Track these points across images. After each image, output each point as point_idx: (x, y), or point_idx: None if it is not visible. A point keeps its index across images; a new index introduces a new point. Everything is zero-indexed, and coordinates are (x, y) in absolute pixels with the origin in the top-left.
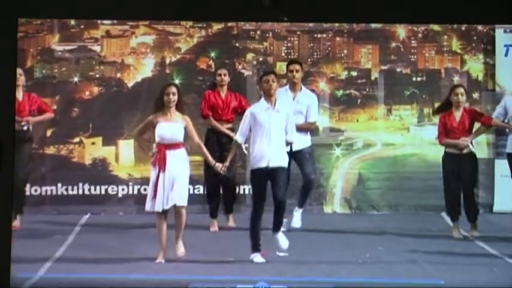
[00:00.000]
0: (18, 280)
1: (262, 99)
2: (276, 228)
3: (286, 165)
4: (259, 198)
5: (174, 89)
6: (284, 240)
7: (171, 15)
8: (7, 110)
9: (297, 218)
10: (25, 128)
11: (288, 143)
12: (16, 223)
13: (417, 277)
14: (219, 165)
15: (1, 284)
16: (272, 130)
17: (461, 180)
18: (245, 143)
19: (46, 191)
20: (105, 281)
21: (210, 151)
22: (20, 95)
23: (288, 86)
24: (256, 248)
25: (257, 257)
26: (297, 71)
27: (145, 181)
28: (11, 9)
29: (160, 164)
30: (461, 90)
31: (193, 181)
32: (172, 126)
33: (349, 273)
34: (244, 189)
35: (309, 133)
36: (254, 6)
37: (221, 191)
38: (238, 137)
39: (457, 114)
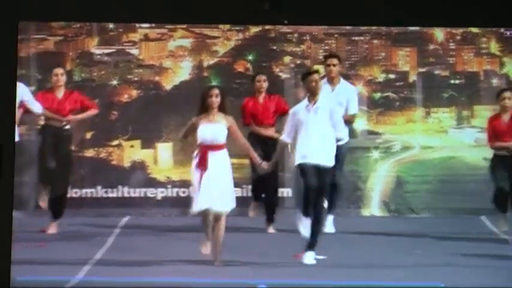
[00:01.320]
0: (18, 283)
1: (306, 98)
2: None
3: (328, 164)
4: (309, 186)
5: (216, 91)
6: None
7: (172, 18)
8: (8, 114)
9: (329, 224)
10: (66, 127)
11: (338, 140)
12: (53, 228)
13: (456, 282)
14: (265, 164)
15: (2, 286)
16: (312, 128)
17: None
18: None
19: (86, 193)
20: (143, 285)
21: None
22: (60, 93)
23: (325, 80)
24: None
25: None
26: (334, 65)
27: (183, 184)
28: (12, 12)
29: (202, 165)
30: (508, 94)
31: None
32: (213, 128)
33: (384, 277)
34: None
35: (347, 129)
36: (254, 10)
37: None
38: (284, 137)
39: (506, 117)
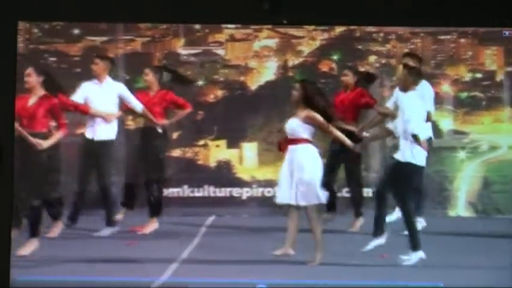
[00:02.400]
0: (18, 283)
1: None
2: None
3: (401, 160)
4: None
5: (296, 85)
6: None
7: (170, 17)
8: (7, 114)
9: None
10: (160, 131)
11: (412, 135)
12: (149, 228)
13: None
14: (356, 145)
15: (2, 286)
16: (396, 125)
17: None
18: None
19: (172, 192)
20: (228, 285)
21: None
22: (153, 92)
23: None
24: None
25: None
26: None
27: (268, 183)
28: (12, 12)
29: (284, 157)
30: None
31: None
32: (291, 121)
33: (467, 277)
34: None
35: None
36: (254, 10)
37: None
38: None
39: None
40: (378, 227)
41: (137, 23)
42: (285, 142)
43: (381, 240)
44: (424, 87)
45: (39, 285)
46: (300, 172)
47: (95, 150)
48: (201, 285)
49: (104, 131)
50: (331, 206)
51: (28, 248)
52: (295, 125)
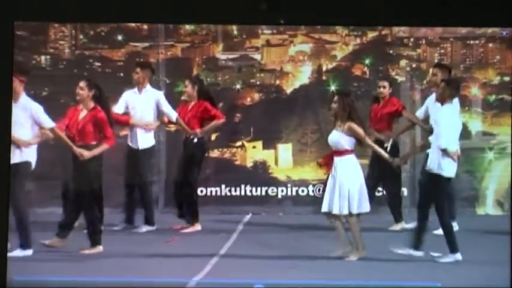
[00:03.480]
0: (15, 283)
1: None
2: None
3: (430, 171)
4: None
5: (335, 98)
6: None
7: (169, 17)
8: (3, 115)
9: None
10: (195, 140)
11: (442, 149)
12: (197, 226)
13: None
14: (397, 160)
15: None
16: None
17: None
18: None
19: (211, 192)
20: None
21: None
22: (191, 104)
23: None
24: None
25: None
26: (434, 74)
27: (303, 183)
28: (7, 12)
29: (328, 169)
30: None
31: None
32: (333, 134)
33: (491, 275)
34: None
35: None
36: (252, 10)
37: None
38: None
39: None
40: (416, 240)
41: (135, 23)
42: (325, 158)
43: (418, 253)
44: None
45: (38, 285)
46: (347, 183)
47: (140, 157)
48: (200, 285)
49: (145, 140)
50: None
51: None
52: (338, 137)
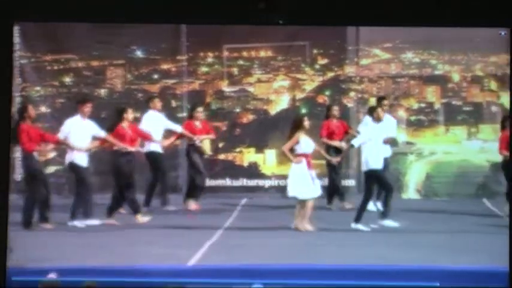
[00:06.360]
0: (16, 283)
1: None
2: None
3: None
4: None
5: (306, 118)
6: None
7: (168, 18)
8: (3, 114)
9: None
10: (197, 143)
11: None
12: (194, 206)
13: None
14: (333, 159)
15: None
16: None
17: None
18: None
19: (218, 183)
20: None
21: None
22: (199, 123)
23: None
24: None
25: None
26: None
27: (282, 177)
28: (7, 12)
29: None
30: None
31: None
32: (309, 140)
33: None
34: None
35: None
36: (250, 10)
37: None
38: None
39: None
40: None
41: (134, 23)
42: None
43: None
44: (389, 121)
45: (36, 286)
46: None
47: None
48: (198, 285)
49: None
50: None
51: (145, 218)
52: (311, 143)
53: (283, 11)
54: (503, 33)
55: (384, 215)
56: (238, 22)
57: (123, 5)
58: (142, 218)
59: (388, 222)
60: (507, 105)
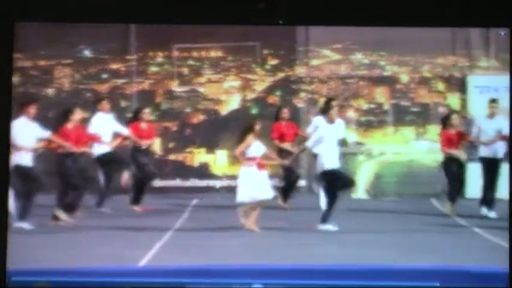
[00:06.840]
0: (15, 283)
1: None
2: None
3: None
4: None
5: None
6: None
7: (167, 18)
8: (3, 115)
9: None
10: (143, 147)
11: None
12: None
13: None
14: (284, 161)
15: None
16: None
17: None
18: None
19: (169, 183)
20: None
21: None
22: (144, 125)
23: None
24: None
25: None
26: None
27: (233, 177)
28: (7, 13)
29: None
30: (455, 116)
31: None
32: (261, 145)
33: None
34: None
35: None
36: (250, 9)
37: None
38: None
39: (452, 131)
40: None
41: (132, 23)
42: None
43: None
44: (340, 123)
45: (35, 286)
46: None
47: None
48: (197, 285)
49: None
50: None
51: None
52: (261, 146)
53: (283, 11)
54: (503, 33)
55: (324, 218)
56: (238, 22)
57: (123, 3)
58: (62, 215)
59: (328, 227)
60: (454, 106)
